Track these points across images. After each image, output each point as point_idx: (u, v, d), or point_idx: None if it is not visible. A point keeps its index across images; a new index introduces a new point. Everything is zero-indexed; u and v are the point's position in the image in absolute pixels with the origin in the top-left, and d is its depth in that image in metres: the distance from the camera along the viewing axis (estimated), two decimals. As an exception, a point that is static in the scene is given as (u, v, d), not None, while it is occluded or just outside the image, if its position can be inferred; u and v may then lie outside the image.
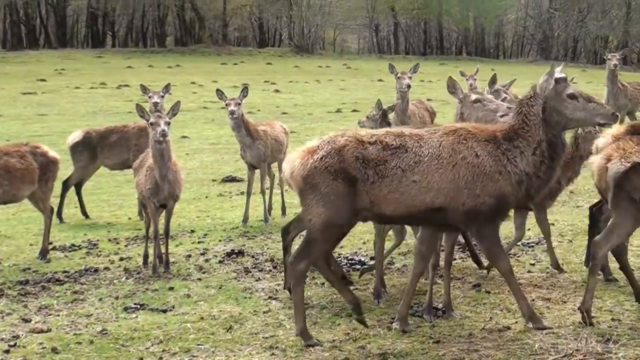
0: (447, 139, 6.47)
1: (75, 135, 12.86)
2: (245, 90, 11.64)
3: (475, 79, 17.64)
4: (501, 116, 7.94)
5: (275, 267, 9.07)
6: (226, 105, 11.42)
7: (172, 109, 9.13)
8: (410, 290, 6.96)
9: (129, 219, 12.40)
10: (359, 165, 6.37)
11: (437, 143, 6.44)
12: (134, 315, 7.44)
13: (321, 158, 6.42)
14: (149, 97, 12.37)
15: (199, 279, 8.69)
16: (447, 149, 6.40)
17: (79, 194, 12.80)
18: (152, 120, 8.85)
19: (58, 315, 7.49)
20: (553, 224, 10.78)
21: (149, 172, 9.06)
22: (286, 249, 8.06)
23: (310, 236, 6.51)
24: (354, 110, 27.81)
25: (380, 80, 39.51)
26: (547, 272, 8.53)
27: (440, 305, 7.26)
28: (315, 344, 6.55)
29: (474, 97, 8.18)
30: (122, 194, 14.54)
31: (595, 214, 8.54)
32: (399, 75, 12.90)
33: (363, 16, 72.08)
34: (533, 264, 8.92)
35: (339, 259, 9.29)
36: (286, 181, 6.76)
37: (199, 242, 10.53)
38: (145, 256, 9.42)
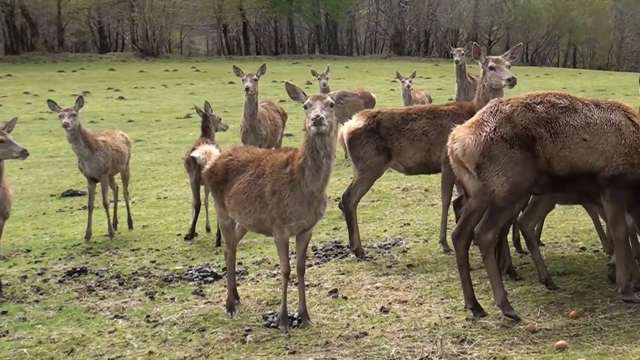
0: None
1: None
2: (80, 99, 11.33)
3: (327, 78, 17.88)
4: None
5: (122, 284, 8.89)
6: (60, 116, 11.10)
7: (7, 125, 8.85)
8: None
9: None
10: (532, 127, 6.81)
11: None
12: (-37, 346, 7.13)
13: (494, 129, 6.78)
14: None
15: (36, 301, 8.40)
16: None
17: None
18: None
19: None
20: (409, 224, 11.07)
21: (-27, 191, 8.70)
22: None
23: (495, 205, 6.85)
24: (204, 115, 27.66)
25: (231, 82, 39.59)
26: (403, 274, 8.71)
27: (295, 314, 7.29)
28: (516, 317, 6.93)
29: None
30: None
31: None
32: (244, 77, 12.92)
33: (210, 16, 71.93)
34: (390, 266, 9.07)
35: (190, 271, 9.21)
36: (456, 160, 6.96)
37: (35, 262, 10.19)
38: (-25, 280, 9.04)
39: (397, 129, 9.59)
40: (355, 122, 9.72)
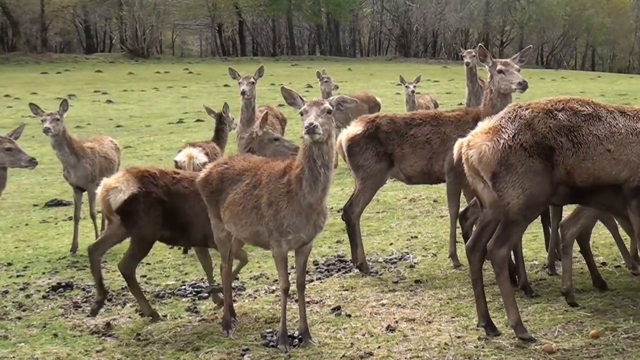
0: None
1: None
2: (65, 103, 11.39)
3: (332, 80, 17.89)
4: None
5: (110, 300, 8.88)
6: (42, 121, 11.17)
7: (15, 132, 9.03)
8: None
9: None
10: (553, 135, 6.79)
11: None
12: (-60, 367, 7.13)
13: (513, 136, 6.75)
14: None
15: (19, 318, 8.40)
16: None
17: None
18: None
19: None
20: (416, 237, 11.07)
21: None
22: (466, 235, 8.52)
23: (509, 219, 6.84)
24: (198, 120, 27.74)
25: (226, 85, 39.60)
26: (411, 291, 8.70)
27: (296, 333, 7.28)
28: (531, 339, 6.89)
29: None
30: None
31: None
32: (240, 80, 12.92)
33: (204, 15, 71.96)
34: (396, 282, 9.07)
35: (183, 286, 9.21)
36: (471, 168, 6.95)
37: (17, 276, 10.18)
38: (-49, 297, 9.05)
39: (399, 134, 9.63)
40: (354, 128, 9.74)
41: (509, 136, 6.79)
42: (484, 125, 7.07)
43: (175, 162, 11.16)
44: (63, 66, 54.20)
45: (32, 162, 8.91)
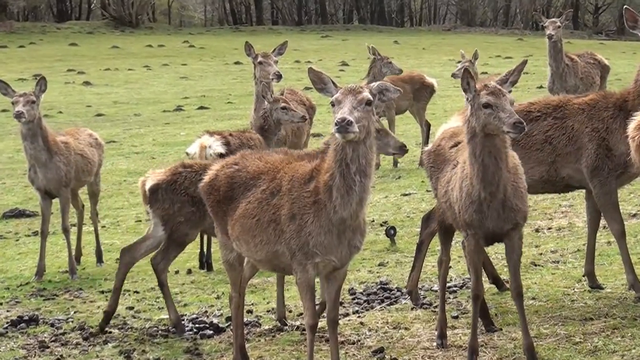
0: None
1: None
2: (42, 81, 11.47)
3: (389, 60, 17.67)
4: None
5: (86, 339, 8.91)
6: (13, 103, 11.19)
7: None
8: None
9: None
10: None
11: None
12: None
13: None
14: None
15: (-31, 362, 8.49)
16: None
17: None
18: None
19: None
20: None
21: None
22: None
23: None
24: (202, 108, 27.79)
25: (237, 63, 39.70)
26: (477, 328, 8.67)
27: (327, 381, 7.31)
28: None
29: None
30: None
31: None
32: (260, 59, 12.79)
33: (209, -28, 72.10)
34: (456, 317, 9.05)
35: (182, 321, 9.23)
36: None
37: (-32, 308, 10.28)
38: None
39: None
40: (452, 122, 9.54)
41: None
42: None
43: (187, 154, 11.19)
44: (27, 38, 54.60)
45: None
